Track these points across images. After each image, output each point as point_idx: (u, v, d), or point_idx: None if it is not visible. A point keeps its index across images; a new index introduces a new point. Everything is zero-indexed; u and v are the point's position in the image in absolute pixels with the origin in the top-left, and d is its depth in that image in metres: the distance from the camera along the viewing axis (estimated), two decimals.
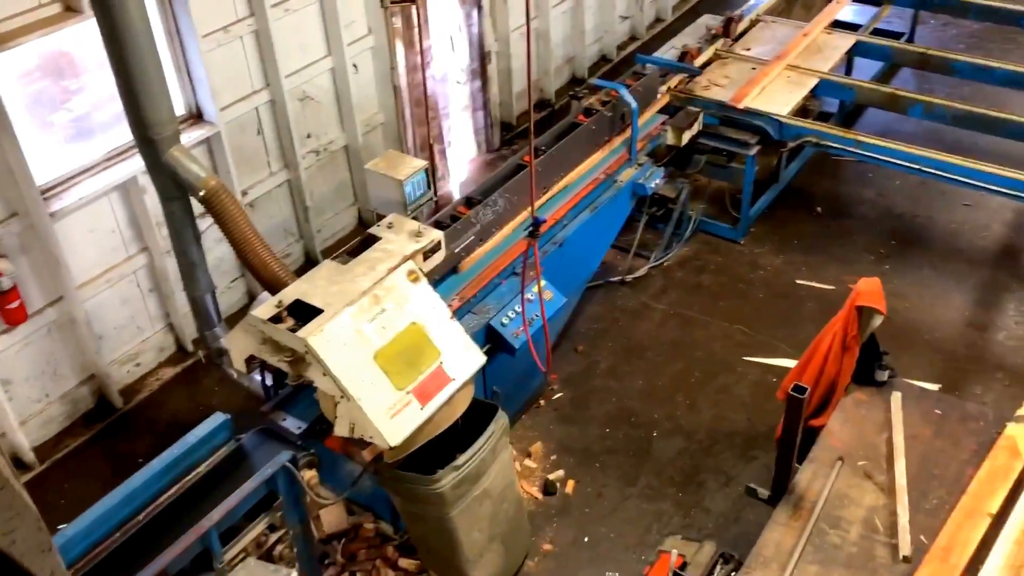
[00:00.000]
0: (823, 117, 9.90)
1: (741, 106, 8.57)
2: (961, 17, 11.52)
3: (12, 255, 6.36)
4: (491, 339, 6.31)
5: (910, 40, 11.75)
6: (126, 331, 7.43)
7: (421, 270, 5.19)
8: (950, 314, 8.07)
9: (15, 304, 6.35)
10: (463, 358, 5.03)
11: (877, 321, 5.53)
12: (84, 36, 6.47)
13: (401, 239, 5.31)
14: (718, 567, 5.20)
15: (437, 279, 6.24)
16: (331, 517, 6.31)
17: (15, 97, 6.31)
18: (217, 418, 5.02)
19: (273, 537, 4.97)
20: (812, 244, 8.96)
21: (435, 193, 6.68)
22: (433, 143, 9.12)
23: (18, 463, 6.85)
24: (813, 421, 5.74)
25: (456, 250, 6.42)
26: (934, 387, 7.07)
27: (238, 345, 5.02)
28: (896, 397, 5.67)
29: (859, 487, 5.17)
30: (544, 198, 7.24)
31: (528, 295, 6.31)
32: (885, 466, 5.28)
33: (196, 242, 5.93)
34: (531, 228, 5.92)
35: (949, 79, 10.38)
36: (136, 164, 6.70)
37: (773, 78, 9.10)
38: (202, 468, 4.91)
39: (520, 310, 6.31)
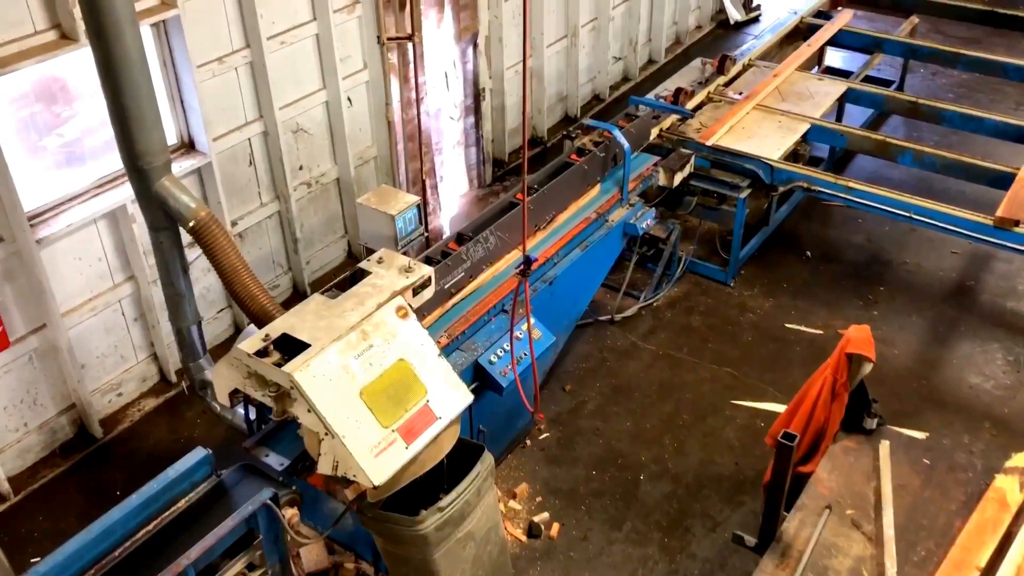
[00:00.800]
0: (814, 162, 9.97)
1: (709, 143, 8.71)
2: (950, 67, 11.69)
3: None
4: (478, 377, 6.26)
5: (900, 88, 11.89)
6: (109, 360, 7.35)
7: (410, 306, 5.15)
8: (937, 362, 8.06)
9: None
10: (450, 396, 4.97)
11: (867, 368, 5.52)
12: (78, 63, 6.46)
13: (391, 274, 5.27)
14: None
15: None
16: (311, 556, 6.19)
17: (6, 121, 6.28)
18: (198, 453, 4.93)
19: None
20: (801, 288, 8.97)
21: (426, 229, 6.67)
22: (425, 178, 9.13)
23: None
24: (801, 468, 5.69)
25: (446, 286, 6.39)
26: (922, 435, 7.02)
27: (222, 378, 4.95)
28: (884, 445, 5.65)
29: (847, 536, 5.12)
30: (536, 237, 7.24)
31: (517, 333, 6.27)
32: (873, 515, 5.23)
33: (184, 273, 5.87)
34: (522, 266, 5.90)
35: (938, 127, 10.50)
36: (126, 192, 6.67)
37: (741, 117, 9.26)
38: (181, 504, 4.82)
39: (508, 348, 6.27)
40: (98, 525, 4.51)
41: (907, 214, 8.14)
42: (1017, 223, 7.70)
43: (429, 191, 9.34)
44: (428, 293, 5.46)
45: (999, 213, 7.75)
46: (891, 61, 12.25)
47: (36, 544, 6.40)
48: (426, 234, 6.60)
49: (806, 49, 10.83)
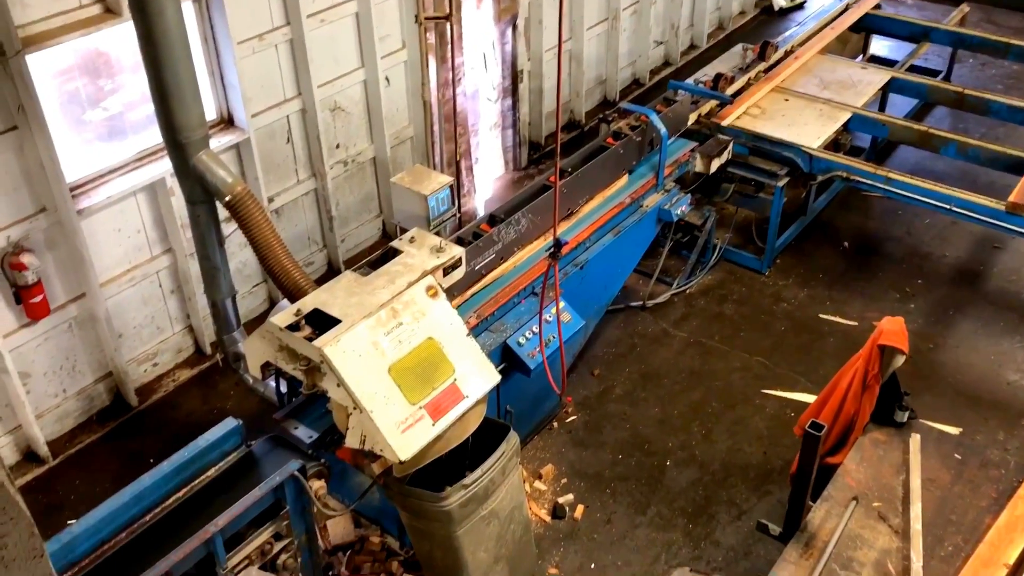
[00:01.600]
0: (855, 152, 9.82)
1: (725, 123, 8.63)
2: (1000, 57, 11.41)
3: (38, 250, 6.43)
4: (507, 358, 6.29)
5: (947, 78, 11.66)
6: (145, 331, 7.48)
7: (440, 286, 5.18)
8: (974, 357, 7.94)
9: (38, 299, 6.41)
10: (477, 376, 5.00)
11: (899, 361, 5.46)
12: (122, 38, 6.55)
13: (422, 254, 5.30)
14: None
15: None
16: (338, 528, 6.29)
17: (51, 94, 6.40)
18: (229, 423, 5.02)
19: (278, 545, 4.95)
20: (837, 279, 8.87)
21: (459, 209, 6.69)
22: (460, 159, 9.14)
23: (32, 456, 6.89)
24: (829, 459, 5.65)
25: (477, 267, 6.41)
26: (955, 431, 6.93)
27: (255, 351, 5.02)
28: (915, 439, 5.58)
29: (873, 529, 5.08)
30: (568, 221, 7.23)
31: (546, 316, 6.29)
32: (900, 509, 5.18)
33: (220, 246, 5.96)
34: (553, 249, 5.90)
35: (985, 119, 10.29)
36: (165, 165, 6.76)
37: (758, 98, 9.18)
38: (211, 472, 4.91)
39: (537, 331, 6.28)
40: (130, 490, 4.62)
41: (948, 207, 8.00)
42: None
43: (463, 172, 9.37)
44: (459, 273, 5.49)
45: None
46: (939, 50, 12.00)
47: (72, 507, 6.56)
48: (459, 215, 6.62)
49: (829, 32, 10.66)
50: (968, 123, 10.85)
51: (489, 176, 10.29)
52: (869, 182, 8.38)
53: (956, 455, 5.55)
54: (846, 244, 9.34)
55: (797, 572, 4.86)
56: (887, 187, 8.27)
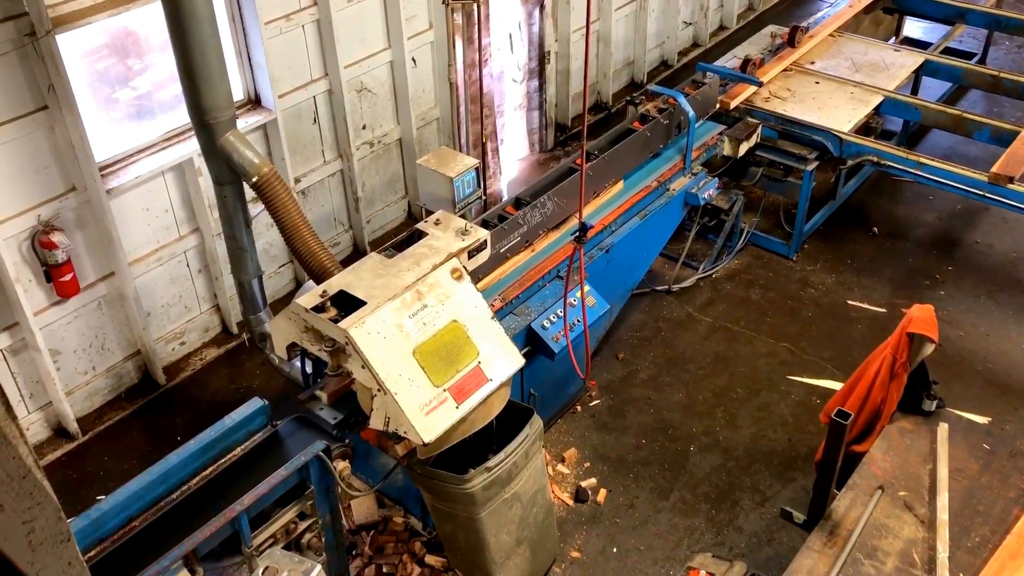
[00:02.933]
0: (886, 135, 9.68)
1: (732, 105, 8.51)
2: None
3: (68, 229, 6.49)
4: (531, 342, 6.28)
5: (982, 61, 11.44)
6: (173, 310, 7.55)
7: (465, 268, 5.17)
8: (1005, 346, 7.83)
9: (68, 277, 6.48)
10: (501, 359, 5.00)
11: (928, 349, 5.39)
12: (150, 17, 6.57)
13: (447, 236, 5.30)
14: None
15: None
16: (361, 508, 6.33)
17: (80, 74, 6.44)
18: (255, 403, 5.06)
19: (303, 525, 4.99)
20: (866, 265, 8.77)
21: (484, 192, 6.67)
22: (486, 141, 9.10)
23: (62, 432, 7.00)
24: (855, 447, 5.61)
25: (502, 250, 6.40)
26: (984, 420, 6.85)
27: (281, 332, 5.06)
28: (943, 428, 5.52)
29: (898, 518, 5.04)
30: (594, 203, 7.19)
31: (571, 300, 6.27)
32: (927, 498, 5.14)
33: (246, 227, 5.99)
34: (578, 233, 5.88)
35: (1021, 103, 10.10)
36: (193, 146, 6.80)
37: (771, 78, 9.06)
38: (237, 452, 4.95)
39: (562, 314, 6.27)
40: (158, 468, 4.68)
41: (981, 192, 7.86)
42: None
43: (489, 154, 9.33)
44: (484, 256, 5.49)
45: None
46: (974, 32, 11.77)
47: (101, 482, 6.66)
48: (484, 197, 6.60)
49: (847, 11, 10.46)
50: (1003, 107, 10.66)
51: (514, 157, 10.25)
52: (900, 167, 8.26)
53: (985, 445, 5.48)
54: (875, 229, 9.22)
55: (821, 560, 4.84)
56: (919, 172, 8.14)
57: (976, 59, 11.40)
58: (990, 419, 7.00)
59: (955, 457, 5.35)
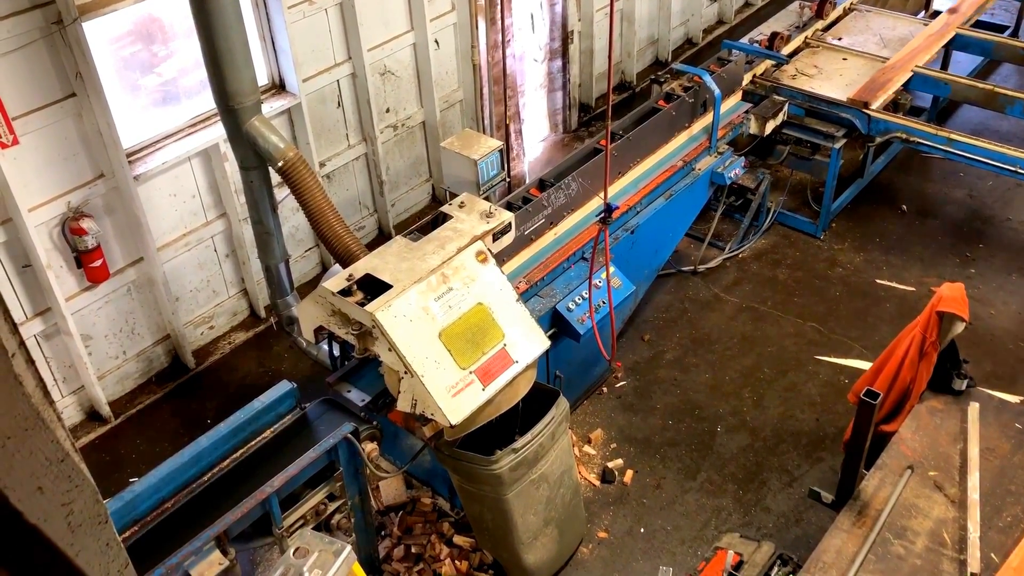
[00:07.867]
0: (915, 112, 9.53)
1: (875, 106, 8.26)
2: None
3: (97, 215, 6.56)
4: (556, 324, 6.28)
5: (1015, 34, 11.22)
6: (201, 294, 7.62)
7: (490, 251, 5.18)
8: None
9: (98, 263, 6.56)
10: (527, 341, 5.01)
11: (959, 328, 5.33)
12: (175, 3, 6.60)
13: (472, 219, 5.30)
14: (775, 569, 5.09)
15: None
16: (390, 489, 6.39)
17: (107, 61, 6.48)
18: (284, 386, 5.11)
19: (332, 506, 5.05)
20: (895, 243, 8.67)
21: (508, 174, 6.65)
22: (509, 123, 9.08)
23: (94, 416, 7.11)
24: (884, 427, 5.57)
25: (526, 232, 6.39)
26: (1016, 399, 6.78)
27: (308, 315, 5.09)
28: (973, 407, 5.47)
29: (928, 498, 5.01)
30: (619, 184, 7.15)
31: (596, 281, 6.25)
32: (957, 478, 5.10)
33: (273, 211, 6.03)
34: (603, 214, 5.85)
35: None
36: (219, 131, 6.83)
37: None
38: (267, 434, 5.01)
39: (587, 296, 6.26)
40: (189, 450, 4.74)
41: (1013, 168, 7.73)
42: None
43: (512, 135, 9.31)
44: (508, 238, 5.48)
45: None
46: (1007, 4, 11.55)
47: (133, 465, 6.77)
48: (508, 179, 6.59)
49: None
50: None
51: (536, 138, 10.22)
52: (930, 143, 8.13)
53: (1017, 424, 5.43)
54: (904, 207, 9.11)
55: (849, 540, 4.82)
56: (949, 148, 8.02)
57: (1008, 32, 11.18)
58: (1022, 398, 6.92)
59: (986, 436, 5.30)
